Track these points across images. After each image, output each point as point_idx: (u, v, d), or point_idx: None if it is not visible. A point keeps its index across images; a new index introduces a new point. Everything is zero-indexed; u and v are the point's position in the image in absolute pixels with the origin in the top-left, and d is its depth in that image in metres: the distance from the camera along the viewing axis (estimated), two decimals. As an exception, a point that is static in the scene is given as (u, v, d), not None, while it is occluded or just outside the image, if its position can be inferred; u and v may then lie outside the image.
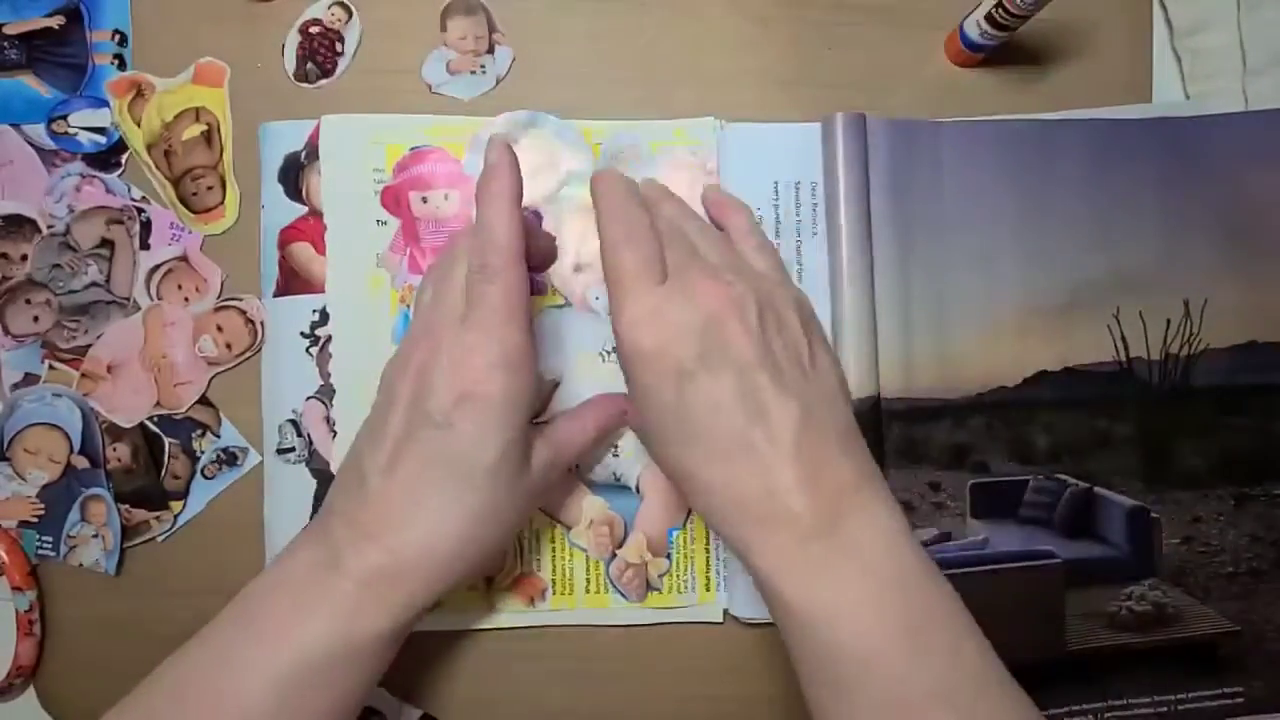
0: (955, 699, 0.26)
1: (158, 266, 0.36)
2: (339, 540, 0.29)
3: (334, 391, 0.36)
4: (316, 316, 0.36)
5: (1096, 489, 0.37)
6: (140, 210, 0.36)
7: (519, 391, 0.29)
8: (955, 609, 0.27)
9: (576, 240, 0.37)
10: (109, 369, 0.36)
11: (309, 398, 0.36)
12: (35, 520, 0.36)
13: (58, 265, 0.36)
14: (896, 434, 0.36)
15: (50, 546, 0.36)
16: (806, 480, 0.27)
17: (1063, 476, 0.37)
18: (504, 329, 0.29)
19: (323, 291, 0.36)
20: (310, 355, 0.36)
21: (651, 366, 0.28)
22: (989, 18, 0.35)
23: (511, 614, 0.36)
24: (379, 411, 0.31)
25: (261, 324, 0.37)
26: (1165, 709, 0.36)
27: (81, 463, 0.36)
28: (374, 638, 0.29)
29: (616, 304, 0.29)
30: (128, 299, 0.36)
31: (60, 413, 0.36)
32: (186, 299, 0.36)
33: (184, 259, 0.36)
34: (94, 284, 0.36)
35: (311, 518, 0.36)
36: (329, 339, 0.36)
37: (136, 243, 0.36)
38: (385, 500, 0.29)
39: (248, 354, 0.37)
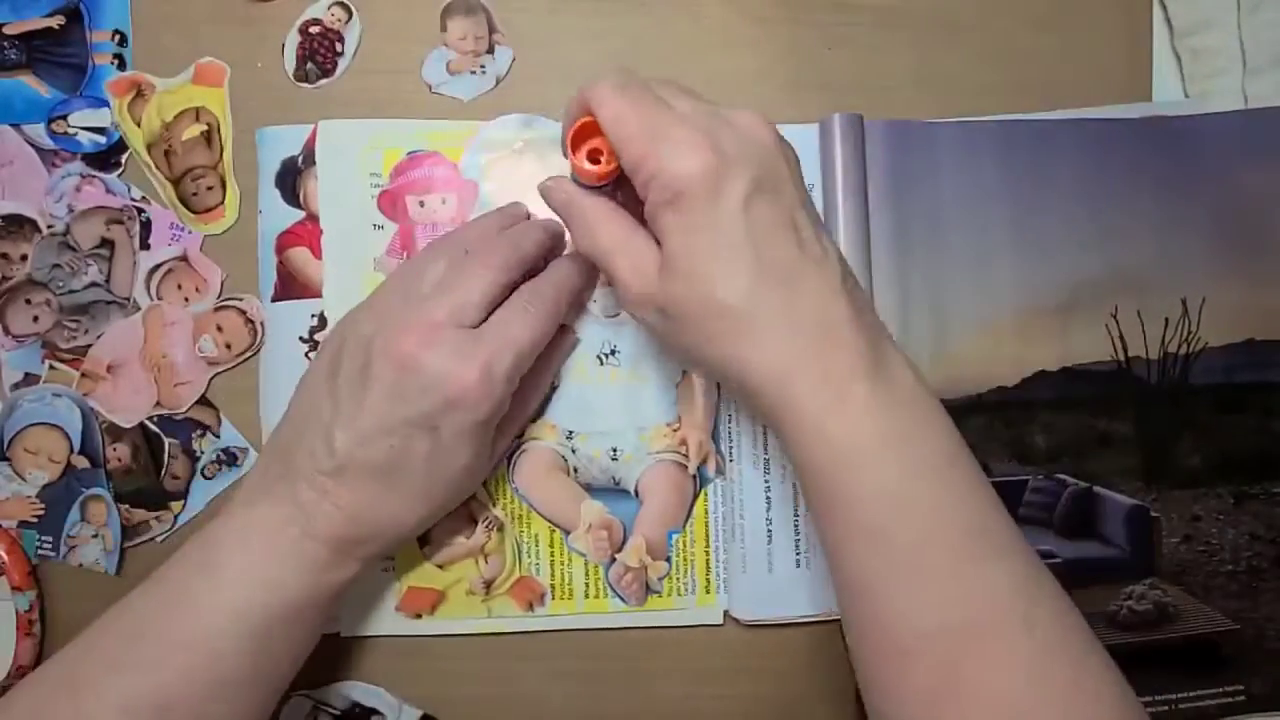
0: (991, 533, 0.26)
1: (158, 266, 0.36)
2: (308, 505, 0.30)
3: None
4: (315, 321, 0.36)
5: (1096, 488, 0.37)
6: (140, 210, 0.36)
7: (504, 406, 0.31)
8: (969, 456, 0.28)
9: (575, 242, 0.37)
10: (109, 369, 0.36)
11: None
12: (35, 520, 0.36)
13: (58, 265, 0.36)
14: None
15: (50, 546, 0.36)
16: (855, 315, 0.27)
17: (1062, 476, 0.37)
18: (521, 357, 0.30)
19: (321, 296, 0.36)
20: (309, 360, 0.36)
21: (709, 192, 0.27)
22: None
23: (510, 619, 0.36)
24: (352, 375, 0.30)
25: (261, 324, 0.37)
26: (1166, 708, 0.36)
27: (81, 462, 0.36)
28: (339, 586, 0.31)
29: (648, 140, 0.27)
30: (128, 299, 0.36)
31: (60, 412, 0.36)
32: (186, 299, 0.36)
33: (184, 259, 0.37)
34: (94, 284, 0.36)
35: None
36: None
37: (136, 243, 0.36)
38: (358, 481, 0.30)
39: (247, 354, 0.37)
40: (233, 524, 0.30)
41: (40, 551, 0.36)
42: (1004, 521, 0.27)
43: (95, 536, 0.36)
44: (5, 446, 0.36)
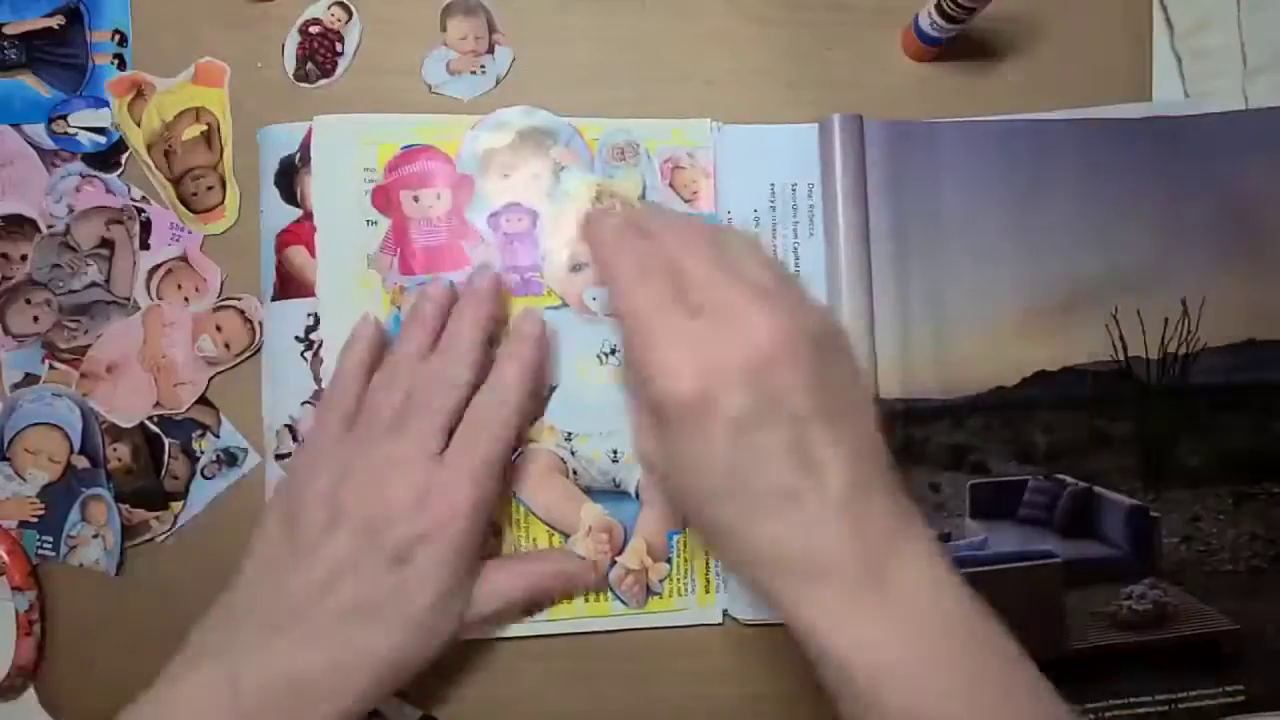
0: None
1: (158, 266, 0.36)
2: (245, 645, 0.29)
3: None
4: (311, 320, 0.36)
5: (1096, 488, 0.37)
6: (140, 210, 0.36)
7: (477, 537, 0.30)
8: (1005, 652, 0.26)
9: (573, 240, 0.37)
10: (108, 369, 0.36)
11: (304, 403, 0.36)
12: (35, 520, 0.36)
13: (58, 265, 0.36)
14: (895, 435, 0.36)
15: (50, 546, 0.36)
16: (854, 532, 0.25)
17: (1062, 476, 0.37)
18: (487, 480, 0.30)
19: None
20: (305, 360, 0.36)
21: (694, 419, 0.25)
22: (939, 9, 0.35)
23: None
24: (310, 518, 0.30)
25: (260, 324, 0.37)
26: (1166, 708, 0.36)
27: (82, 462, 0.36)
28: None
29: (642, 346, 0.26)
30: (128, 299, 0.36)
31: (60, 412, 0.36)
32: (186, 299, 0.36)
33: (184, 259, 0.36)
34: (94, 284, 0.36)
35: None
36: (321, 343, 0.36)
37: (136, 243, 0.36)
38: (313, 627, 0.29)
39: (247, 353, 0.37)
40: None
41: (40, 551, 0.36)
42: None
43: (95, 536, 0.36)
44: (5, 447, 0.36)
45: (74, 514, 0.36)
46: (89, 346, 0.36)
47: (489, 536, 0.36)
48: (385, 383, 0.33)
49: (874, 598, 0.25)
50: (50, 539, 0.36)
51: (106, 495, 0.36)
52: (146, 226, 0.36)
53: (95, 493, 0.36)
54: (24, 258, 0.36)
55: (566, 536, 0.36)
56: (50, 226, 0.36)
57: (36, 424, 0.36)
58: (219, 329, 0.36)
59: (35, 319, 0.36)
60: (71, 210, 0.36)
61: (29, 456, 0.36)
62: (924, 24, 0.37)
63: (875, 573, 0.25)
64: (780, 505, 0.25)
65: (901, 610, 0.25)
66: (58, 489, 0.36)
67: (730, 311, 0.26)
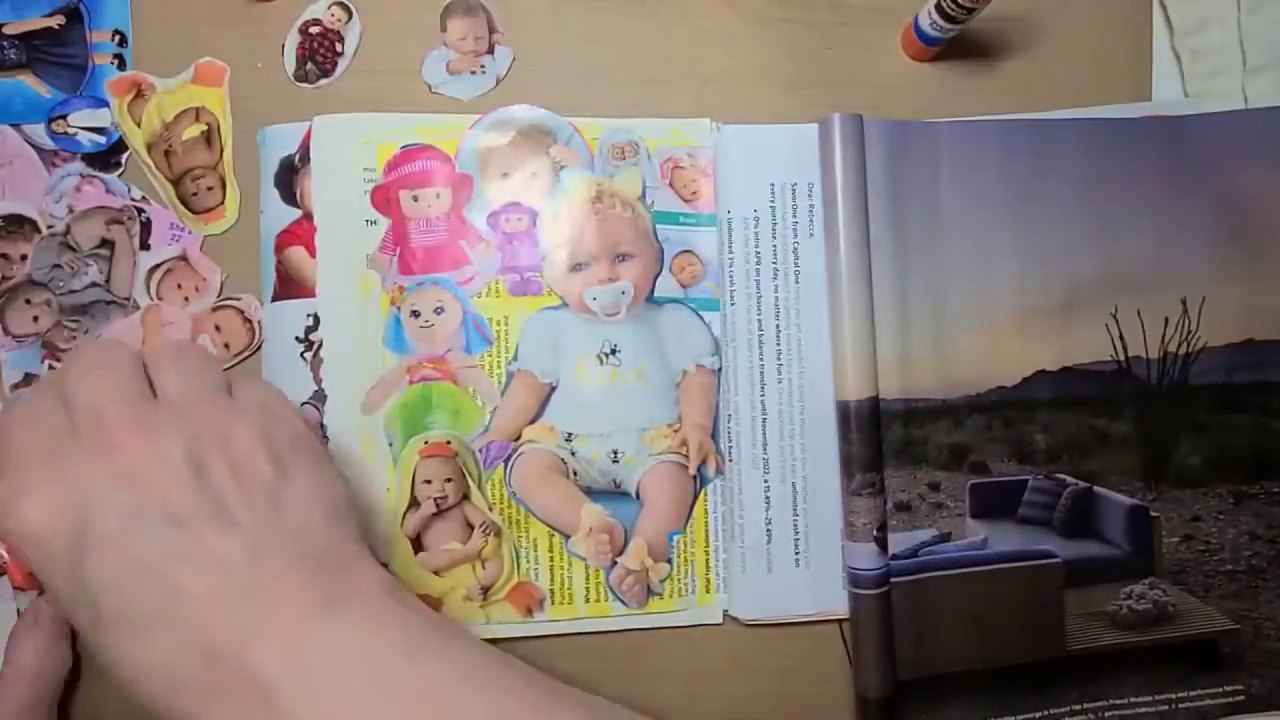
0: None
1: (157, 266, 0.36)
2: None
3: (326, 397, 0.36)
4: (310, 321, 0.36)
5: (1096, 488, 0.37)
6: (140, 210, 0.36)
7: None
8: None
9: (573, 239, 0.36)
10: (108, 369, 0.36)
11: (304, 403, 0.36)
12: None
13: (58, 265, 0.36)
14: (895, 434, 0.36)
15: None
16: (258, 626, 0.23)
17: (1062, 476, 0.37)
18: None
19: (316, 296, 0.36)
20: (304, 360, 0.36)
21: (46, 548, 0.23)
22: (939, 9, 0.35)
23: (508, 625, 0.36)
24: None
25: (259, 323, 0.36)
26: (1166, 707, 0.36)
27: None
28: None
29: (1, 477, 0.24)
30: (128, 299, 0.36)
31: None
32: (186, 299, 0.36)
33: (184, 259, 0.36)
34: (94, 284, 0.36)
35: None
36: (321, 344, 0.36)
37: (136, 243, 0.36)
38: None
39: (246, 353, 0.36)
40: None
41: None
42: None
43: None
44: None
45: None
46: (89, 347, 0.36)
47: (490, 537, 0.35)
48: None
49: (287, 698, 0.23)
50: None
51: None
52: (147, 226, 0.36)
53: None
54: (24, 258, 0.36)
55: (567, 537, 0.36)
56: (50, 227, 0.36)
57: None
58: (218, 329, 0.36)
59: (35, 319, 0.36)
60: (71, 210, 0.36)
61: None
62: (924, 24, 0.36)
63: (285, 670, 0.23)
64: (162, 617, 0.23)
65: (323, 707, 0.23)
66: None
67: (100, 433, 0.25)
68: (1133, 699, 0.36)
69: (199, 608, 0.23)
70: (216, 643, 0.23)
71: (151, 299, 0.36)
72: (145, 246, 0.36)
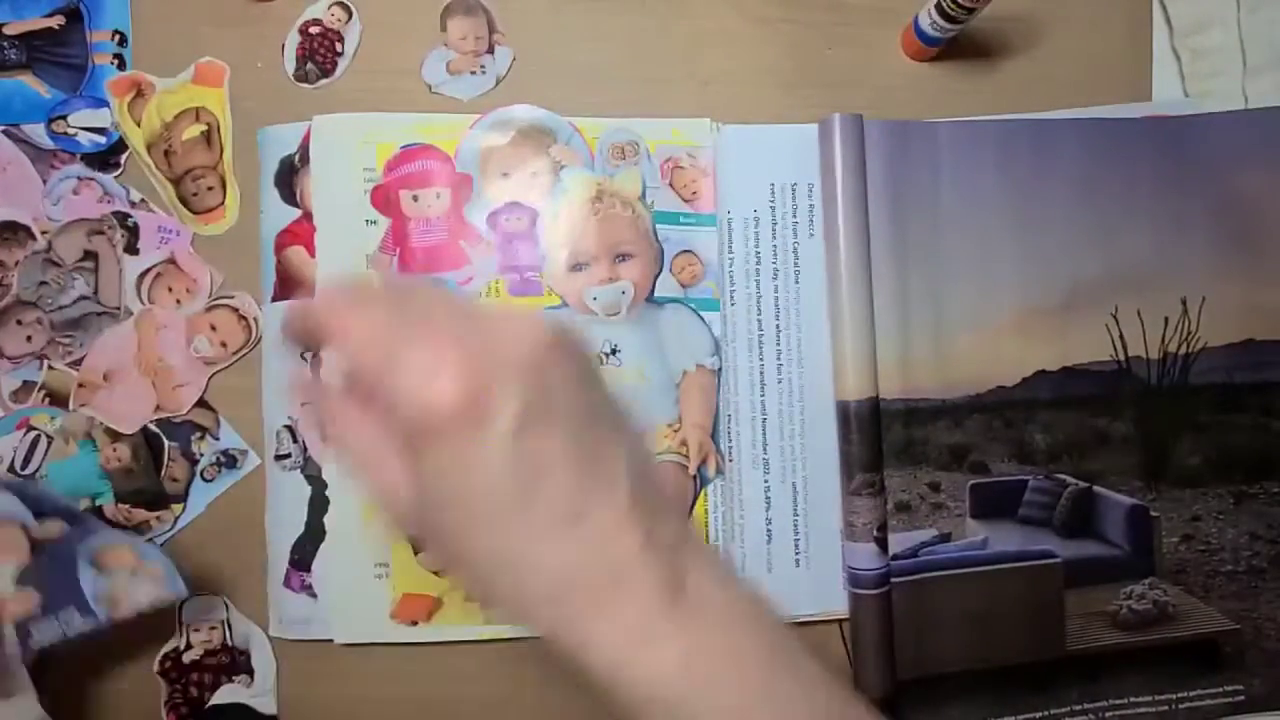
0: None
1: (147, 271, 0.36)
2: None
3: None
4: None
5: (1096, 488, 0.36)
6: (126, 216, 0.36)
7: None
8: (795, 652, 0.24)
9: (573, 238, 0.36)
10: (105, 377, 0.36)
11: (304, 404, 0.35)
12: (40, 610, 0.31)
13: (44, 282, 0.36)
14: (895, 435, 0.35)
15: (90, 619, 0.31)
16: (647, 543, 0.22)
17: (1062, 476, 0.36)
18: None
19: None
20: (305, 360, 0.35)
21: (465, 423, 0.21)
22: (939, 9, 0.35)
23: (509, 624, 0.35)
24: None
25: (256, 320, 0.36)
26: (1166, 707, 0.36)
27: (54, 529, 0.32)
28: None
29: (387, 360, 0.22)
30: (118, 307, 0.36)
31: None
32: (178, 301, 0.36)
33: (173, 261, 0.36)
34: (83, 297, 0.36)
35: (305, 526, 0.35)
36: None
37: (120, 250, 0.36)
38: None
39: (244, 351, 0.36)
40: None
41: (83, 632, 0.31)
42: None
43: (133, 575, 0.32)
44: None
45: (84, 572, 0.31)
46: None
47: None
48: None
49: (674, 616, 0.22)
50: (78, 614, 0.31)
51: (118, 537, 0.33)
52: (134, 232, 0.36)
53: (99, 541, 0.32)
54: (18, 264, 0.35)
55: None
56: (45, 232, 0.35)
57: None
58: (214, 328, 0.36)
59: (29, 339, 0.36)
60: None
61: None
62: (924, 24, 0.36)
63: (672, 587, 0.23)
64: (568, 519, 0.22)
65: (702, 627, 0.23)
66: (39, 565, 0.31)
67: (484, 319, 0.23)
68: (1133, 699, 0.36)
69: (596, 518, 0.22)
70: (616, 553, 0.22)
71: (144, 304, 0.36)
72: (134, 252, 0.36)
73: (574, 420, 0.22)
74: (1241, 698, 0.36)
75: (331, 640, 0.35)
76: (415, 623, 0.35)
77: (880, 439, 0.35)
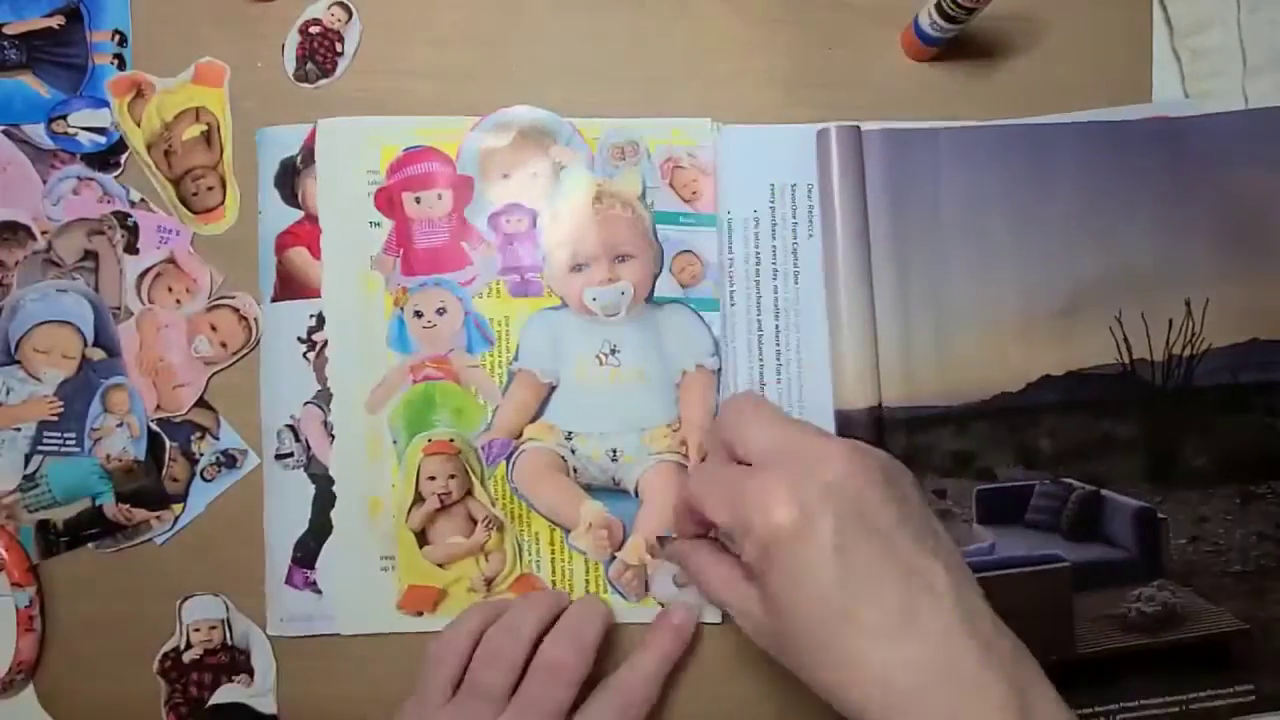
0: None
1: (146, 271, 0.35)
2: None
3: (331, 396, 0.35)
4: (313, 321, 0.35)
5: (1103, 491, 0.35)
6: (126, 216, 0.35)
7: None
8: None
9: (573, 239, 0.35)
10: (107, 377, 0.35)
11: (306, 403, 0.35)
12: (55, 418, 0.34)
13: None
14: (899, 442, 0.34)
15: (75, 442, 0.34)
16: (986, 654, 0.23)
17: (1068, 480, 0.35)
18: None
19: (319, 296, 0.35)
20: (307, 360, 0.35)
21: (797, 539, 0.24)
22: (939, 9, 0.33)
23: None
24: None
25: (256, 320, 0.35)
26: (1177, 709, 0.35)
27: (97, 354, 0.34)
28: None
29: (739, 502, 0.26)
30: (118, 308, 0.35)
31: (69, 308, 0.34)
32: (178, 301, 0.35)
33: (172, 261, 0.35)
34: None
35: (310, 523, 0.34)
36: (325, 344, 0.35)
37: (120, 250, 0.35)
38: None
39: (244, 351, 0.35)
40: None
41: (65, 449, 0.34)
42: None
43: (120, 425, 0.34)
44: (14, 349, 0.34)
45: (95, 406, 0.34)
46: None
47: (492, 531, 0.34)
48: (490, 659, 0.31)
49: None
50: (73, 434, 0.34)
51: (127, 383, 0.34)
52: (134, 231, 0.35)
53: (116, 382, 0.34)
54: (18, 264, 0.35)
55: (567, 532, 0.35)
56: (45, 232, 0.35)
57: (44, 322, 0.34)
58: (214, 328, 0.35)
59: None
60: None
61: (40, 356, 0.34)
62: (924, 24, 0.34)
63: (1020, 709, 0.22)
64: (902, 622, 0.23)
65: None
66: (74, 383, 0.34)
67: (801, 449, 0.26)
68: (1144, 701, 0.35)
69: (926, 621, 0.24)
70: (955, 660, 0.23)
71: (144, 304, 0.35)
72: (134, 251, 0.35)
73: (889, 531, 0.25)
74: (1252, 697, 0.35)
75: (333, 636, 0.34)
76: (421, 613, 0.34)
77: (884, 448, 0.33)
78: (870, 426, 0.33)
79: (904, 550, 0.24)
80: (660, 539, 0.33)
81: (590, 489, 0.35)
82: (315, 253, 0.34)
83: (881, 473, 0.26)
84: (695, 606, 0.34)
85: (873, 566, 0.24)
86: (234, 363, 0.35)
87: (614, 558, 0.34)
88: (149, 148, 0.35)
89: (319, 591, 0.34)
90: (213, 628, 0.34)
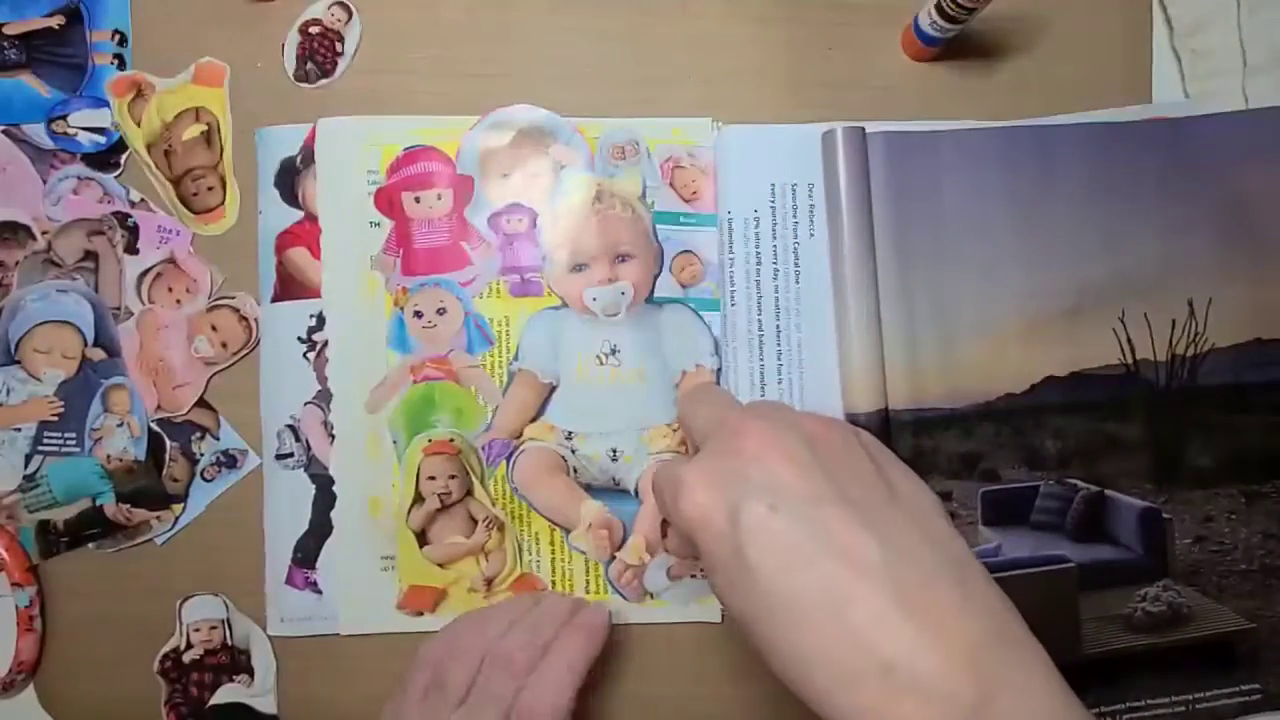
0: None
1: (147, 271, 0.34)
2: None
3: (331, 396, 0.34)
4: (313, 321, 0.34)
5: (1107, 492, 0.34)
6: (126, 216, 0.34)
7: None
8: None
9: (573, 239, 0.34)
10: (107, 377, 0.35)
11: (307, 403, 0.34)
12: (55, 419, 0.33)
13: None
14: (905, 445, 0.33)
15: (75, 442, 0.33)
16: (927, 636, 0.19)
17: (1073, 481, 0.34)
18: None
19: (319, 296, 0.34)
20: (307, 360, 0.34)
21: (703, 529, 0.22)
22: (939, 9, 0.33)
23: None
24: None
25: (256, 320, 0.34)
26: (1183, 708, 0.34)
27: (98, 354, 0.34)
28: None
29: (665, 493, 0.24)
30: (118, 308, 0.34)
31: (69, 308, 0.34)
32: (179, 301, 0.34)
33: (173, 261, 0.34)
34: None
35: (310, 523, 0.34)
36: (325, 344, 0.34)
37: (120, 250, 0.34)
38: None
39: (244, 352, 0.34)
40: None
41: (65, 449, 0.33)
42: None
43: (120, 425, 0.33)
44: (14, 349, 0.34)
45: (95, 406, 0.33)
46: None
47: (492, 531, 0.34)
48: (456, 656, 0.30)
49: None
50: (74, 435, 0.33)
51: (127, 383, 0.34)
52: (134, 231, 0.34)
53: (116, 382, 0.34)
54: (18, 264, 0.34)
55: (568, 531, 0.34)
56: (45, 232, 0.34)
57: (44, 323, 0.33)
58: (214, 328, 0.34)
59: None
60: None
61: (40, 356, 0.33)
62: (924, 24, 0.33)
63: (973, 699, 0.19)
64: (821, 609, 0.20)
65: None
66: (75, 384, 0.33)
67: (722, 432, 0.24)
68: (1150, 700, 0.34)
69: (852, 609, 0.20)
70: (889, 649, 0.20)
71: (144, 304, 0.34)
72: (134, 251, 0.34)
73: (811, 507, 0.22)
74: (1258, 696, 0.34)
75: (333, 635, 0.33)
76: (421, 613, 0.34)
77: (891, 450, 0.32)
78: (878, 429, 0.32)
79: (824, 524, 0.21)
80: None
81: (590, 489, 0.34)
82: (315, 253, 0.34)
83: (803, 441, 0.23)
84: (606, 609, 0.32)
85: (784, 547, 0.21)
86: (234, 363, 0.34)
87: (614, 558, 0.33)
88: (149, 148, 0.34)
89: (319, 591, 0.33)
90: (213, 628, 0.33)
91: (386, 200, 0.34)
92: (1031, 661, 0.20)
